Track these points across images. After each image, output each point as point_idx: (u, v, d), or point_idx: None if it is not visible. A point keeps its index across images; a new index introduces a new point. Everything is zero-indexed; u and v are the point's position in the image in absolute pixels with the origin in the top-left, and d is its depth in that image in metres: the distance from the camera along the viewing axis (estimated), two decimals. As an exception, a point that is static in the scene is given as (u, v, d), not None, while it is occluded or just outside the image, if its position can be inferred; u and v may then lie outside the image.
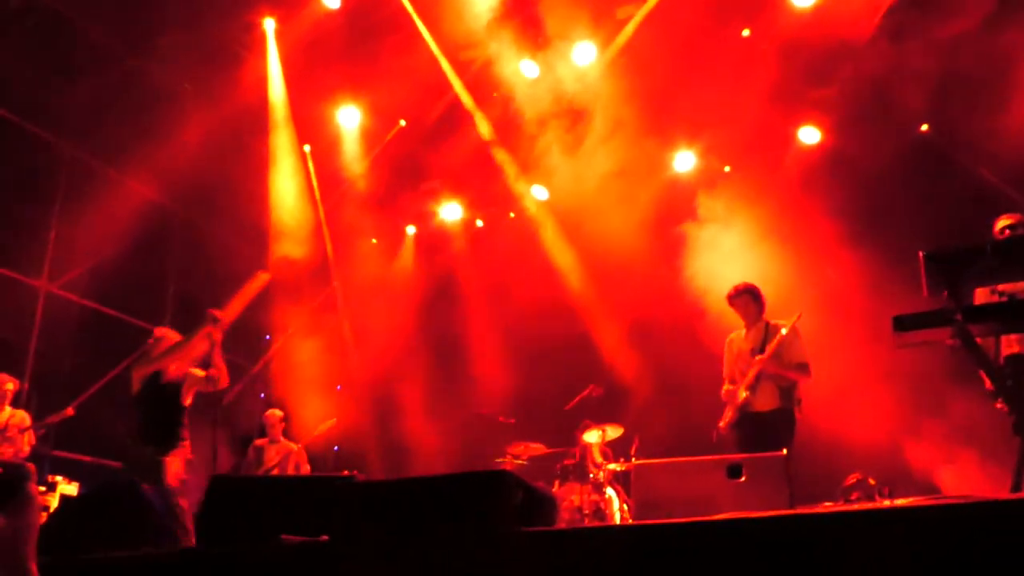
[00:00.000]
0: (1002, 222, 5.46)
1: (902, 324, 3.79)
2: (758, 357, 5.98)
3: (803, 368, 5.97)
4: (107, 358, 9.61)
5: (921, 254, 3.81)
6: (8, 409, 7.26)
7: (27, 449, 7.32)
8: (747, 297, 6.32)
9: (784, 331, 5.97)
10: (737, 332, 6.43)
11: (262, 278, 7.33)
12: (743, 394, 6.02)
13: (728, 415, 6.11)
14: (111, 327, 9.76)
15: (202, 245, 10.61)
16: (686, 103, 9.08)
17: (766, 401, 5.96)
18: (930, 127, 8.95)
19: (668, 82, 8.97)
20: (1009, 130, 7.63)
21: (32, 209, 8.93)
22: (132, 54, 8.78)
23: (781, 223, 8.76)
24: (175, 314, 10.69)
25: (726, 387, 6.23)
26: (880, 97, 8.52)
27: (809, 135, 9.42)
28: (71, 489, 7.65)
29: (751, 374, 6.03)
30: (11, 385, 7.34)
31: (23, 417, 7.32)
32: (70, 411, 7.62)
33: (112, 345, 9.76)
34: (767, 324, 6.24)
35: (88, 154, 9.37)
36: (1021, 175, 7.93)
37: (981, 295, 5.00)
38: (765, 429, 5.83)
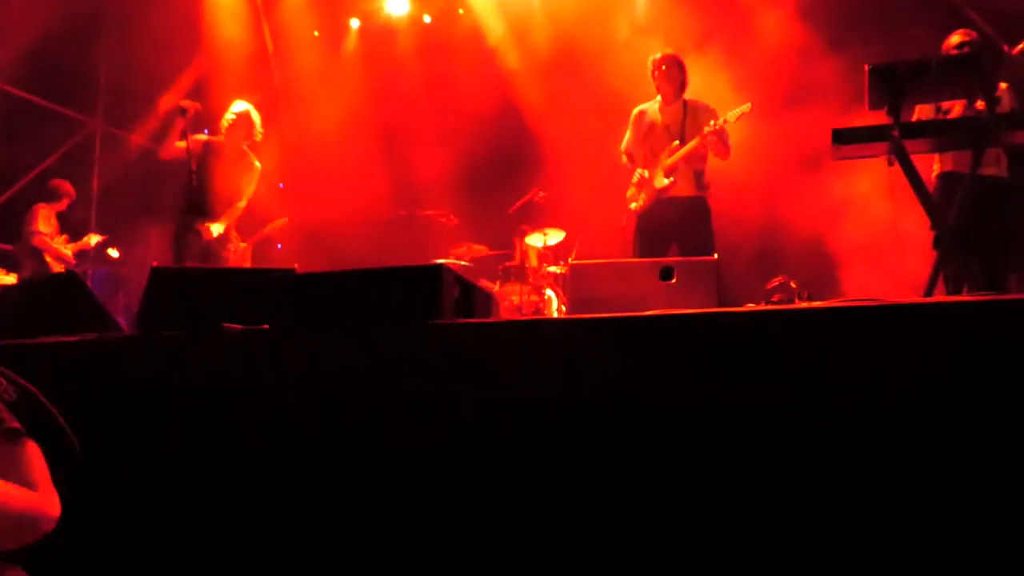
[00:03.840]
0: (954, 38, 5.44)
1: (840, 137, 3.87)
2: (708, 131, 5.69)
3: (727, 150, 5.90)
4: (38, 148, 9.33)
5: (867, 67, 3.84)
6: None
7: None
8: (674, 66, 5.99)
9: (733, 117, 5.69)
10: (649, 104, 6.12)
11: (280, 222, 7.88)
12: (665, 180, 5.84)
13: (642, 199, 5.96)
14: (40, 116, 9.40)
15: (134, 35, 10.03)
16: None
17: (684, 187, 5.85)
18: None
19: None
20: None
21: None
22: None
23: (738, 35, 8.56)
24: (107, 104, 10.33)
25: (640, 172, 6.01)
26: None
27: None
28: (9, 279, 7.59)
29: (675, 157, 5.80)
30: None
31: None
32: None
33: (42, 135, 9.46)
34: (686, 103, 5.98)
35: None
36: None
37: (921, 112, 5.07)
38: (684, 215, 5.80)
